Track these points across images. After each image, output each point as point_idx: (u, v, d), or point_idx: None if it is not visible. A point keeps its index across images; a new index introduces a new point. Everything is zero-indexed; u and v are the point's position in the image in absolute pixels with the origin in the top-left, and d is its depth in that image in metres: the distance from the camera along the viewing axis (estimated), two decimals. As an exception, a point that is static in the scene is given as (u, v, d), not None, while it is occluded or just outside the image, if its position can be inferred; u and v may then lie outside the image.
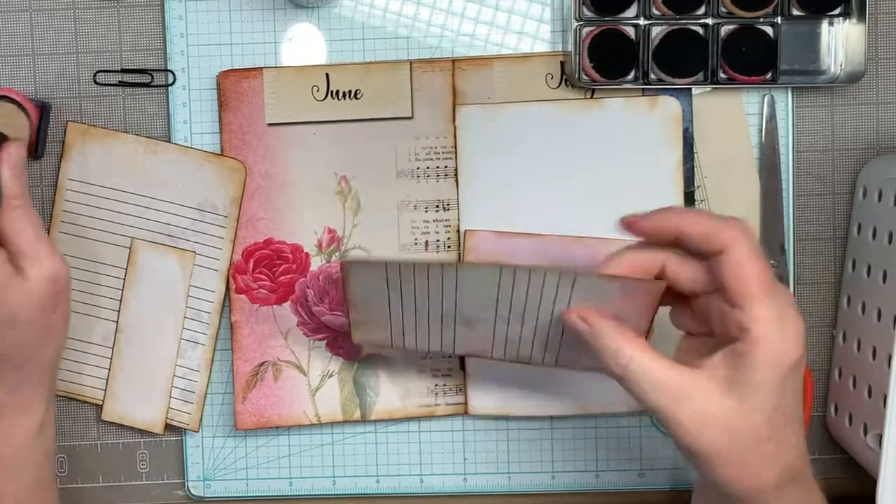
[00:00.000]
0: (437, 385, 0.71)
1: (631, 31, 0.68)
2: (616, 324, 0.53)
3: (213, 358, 0.71)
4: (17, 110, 0.65)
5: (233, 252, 0.70)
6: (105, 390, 0.71)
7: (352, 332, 0.64)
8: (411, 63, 0.70)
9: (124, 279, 0.70)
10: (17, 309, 0.58)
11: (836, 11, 0.68)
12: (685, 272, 0.54)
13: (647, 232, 0.55)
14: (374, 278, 0.59)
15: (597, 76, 0.69)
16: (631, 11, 0.68)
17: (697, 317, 0.55)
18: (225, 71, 0.70)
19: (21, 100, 0.66)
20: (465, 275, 0.57)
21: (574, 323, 0.55)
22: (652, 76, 0.69)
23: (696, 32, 0.68)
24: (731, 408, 0.50)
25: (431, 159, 0.70)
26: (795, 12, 0.69)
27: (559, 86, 0.70)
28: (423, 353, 0.69)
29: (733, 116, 0.70)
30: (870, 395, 0.65)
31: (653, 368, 0.51)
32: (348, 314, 0.63)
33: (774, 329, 0.50)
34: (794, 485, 0.53)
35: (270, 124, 0.70)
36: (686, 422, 0.50)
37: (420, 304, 0.59)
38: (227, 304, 0.71)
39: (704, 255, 0.53)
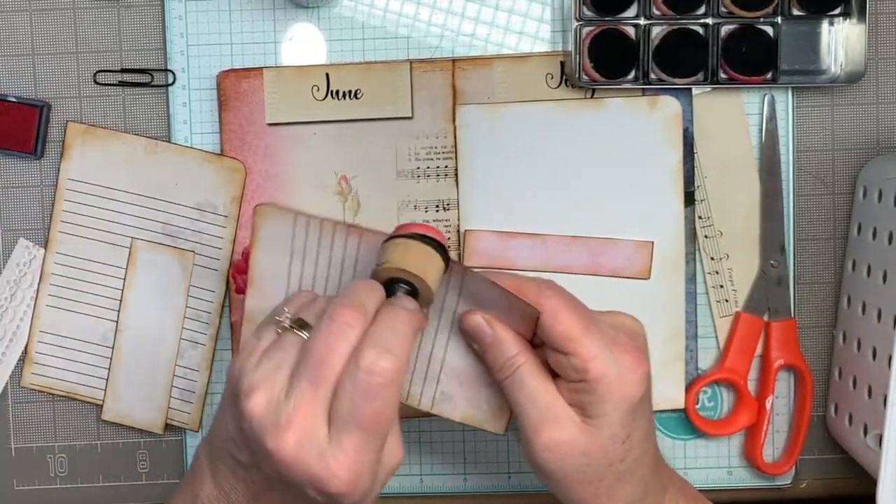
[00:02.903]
0: (437, 385, 0.71)
1: (631, 31, 0.68)
2: (515, 333, 0.54)
3: (213, 358, 0.71)
4: (441, 262, 0.52)
5: (233, 252, 0.70)
6: (105, 390, 0.71)
7: (246, 300, 0.58)
8: (411, 63, 0.70)
9: (124, 279, 0.70)
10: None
11: (837, 11, 0.68)
12: None
13: None
14: (282, 231, 0.55)
15: (597, 76, 0.69)
16: (631, 11, 0.68)
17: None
18: (225, 71, 0.70)
19: (439, 238, 0.53)
20: (368, 243, 0.53)
21: (477, 323, 0.54)
22: (652, 76, 0.69)
23: (696, 32, 0.68)
24: (588, 435, 0.52)
25: (431, 159, 0.70)
26: (795, 12, 0.69)
27: (559, 86, 0.70)
28: None
29: (733, 116, 0.70)
30: (870, 395, 0.65)
31: (536, 383, 0.53)
32: (248, 274, 0.57)
33: (609, 366, 0.52)
34: (650, 495, 0.56)
35: (270, 124, 0.70)
36: (549, 442, 0.52)
37: (318, 280, 0.55)
38: (227, 304, 0.71)
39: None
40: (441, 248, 0.52)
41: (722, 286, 0.71)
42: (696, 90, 0.69)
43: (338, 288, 0.56)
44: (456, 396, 0.57)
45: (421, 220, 0.70)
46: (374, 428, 0.47)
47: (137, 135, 0.70)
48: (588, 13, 0.68)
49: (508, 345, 0.54)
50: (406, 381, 0.57)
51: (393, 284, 0.51)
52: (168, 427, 0.71)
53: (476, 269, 0.55)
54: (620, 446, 0.53)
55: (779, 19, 0.68)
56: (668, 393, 0.70)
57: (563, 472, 0.53)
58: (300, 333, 0.50)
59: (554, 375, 0.54)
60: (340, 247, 0.54)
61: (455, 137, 0.70)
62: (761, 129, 0.70)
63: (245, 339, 0.55)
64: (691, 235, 0.70)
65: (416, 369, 0.57)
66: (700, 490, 0.61)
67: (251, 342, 0.51)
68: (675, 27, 0.68)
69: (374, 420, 0.47)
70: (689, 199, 0.70)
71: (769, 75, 0.69)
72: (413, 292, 0.51)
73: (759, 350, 0.71)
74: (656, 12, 0.68)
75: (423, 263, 0.51)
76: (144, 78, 0.71)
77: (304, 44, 0.71)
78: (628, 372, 0.52)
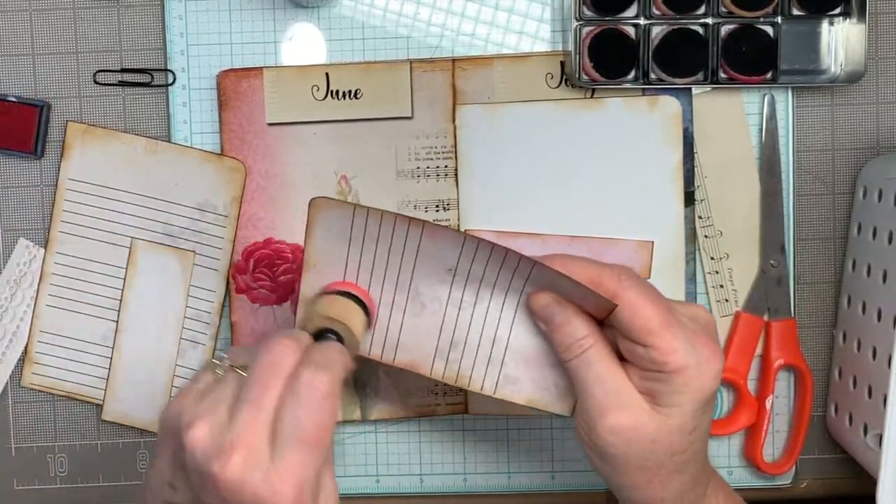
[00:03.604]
0: (437, 385, 0.71)
1: (631, 31, 0.68)
2: (585, 314, 0.54)
3: (213, 358, 0.71)
4: (364, 317, 0.57)
5: (233, 252, 0.70)
6: (105, 390, 0.71)
7: (301, 284, 0.58)
8: (411, 63, 0.70)
9: (124, 279, 0.70)
10: None
11: (837, 11, 0.68)
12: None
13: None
14: (340, 225, 0.55)
15: (597, 76, 0.69)
16: (631, 11, 0.68)
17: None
18: (225, 70, 0.70)
19: (361, 294, 0.57)
20: (430, 235, 0.54)
21: (546, 303, 0.54)
22: (652, 76, 0.69)
23: (696, 32, 0.68)
24: (658, 422, 0.52)
25: (431, 159, 0.70)
26: (795, 12, 0.69)
27: (559, 85, 0.70)
28: (363, 351, 0.59)
29: (733, 116, 0.70)
30: (870, 395, 0.65)
31: (604, 366, 0.53)
32: (302, 269, 0.58)
33: (688, 359, 0.52)
34: (697, 486, 0.56)
35: (270, 124, 0.70)
36: (616, 425, 0.52)
37: (377, 268, 0.56)
38: (227, 304, 0.71)
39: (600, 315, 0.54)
40: (361, 303, 0.56)
41: (722, 286, 0.71)
42: (696, 90, 0.69)
43: (397, 276, 0.56)
44: (522, 378, 0.57)
45: (425, 219, 0.70)
46: (316, 441, 0.48)
47: (137, 135, 0.71)
48: (588, 13, 0.68)
49: (577, 325, 0.53)
50: (468, 368, 0.57)
51: (321, 336, 0.54)
52: (168, 427, 0.71)
53: (542, 256, 0.54)
54: (687, 437, 0.53)
55: (779, 19, 0.68)
56: (668, 393, 0.70)
57: (625, 456, 0.53)
58: (240, 372, 0.51)
59: (621, 359, 0.54)
60: (402, 236, 0.55)
61: (455, 137, 0.70)
62: (761, 129, 0.70)
63: (183, 385, 0.55)
64: (691, 235, 0.70)
65: (479, 353, 0.57)
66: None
67: (187, 386, 0.52)
68: (675, 27, 0.68)
69: (316, 433, 0.48)
70: (689, 199, 0.70)
71: (769, 75, 0.69)
72: (340, 341, 0.54)
73: (759, 350, 0.71)
74: (656, 12, 0.68)
75: (346, 314, 0.55)
76: (144, 78, 0.71)
77: (304, 44, 0.71)
78: (706, 365, 0.52)
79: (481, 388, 0.58)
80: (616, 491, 0.56)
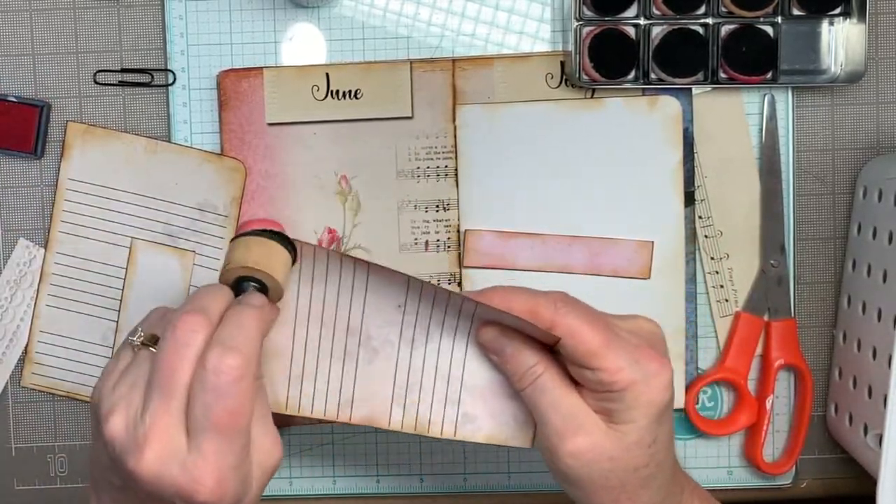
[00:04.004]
0: (437, 385, 0.71)
1: (631, 31, 0.68)
2: (533, 342, 0.53)
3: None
4: (286, 254, 0.53)
5: (233, 252, 0.70)
6: (105, 390, 0.71)
7: None
8: (411, 63, 0.70)
9: (124, 279, 0.70)
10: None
11: (837, 11, 0.68)
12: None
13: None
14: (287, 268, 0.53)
15: (597, 76, 0.69)
16: (631, 11, 0.68)
17: None
18: (225, 71, 0.70)
19: (282, 229, 0.55)
20: (376, 273, 0.53)
21: (493, 336, 0.54)
22: (652, 76, 0.69)
23: (696, 32, 0.68)
24: (615, 440, 0.52)
25: (431, 159, 0.70)
26: (796, 12, 0.69)
27: (559, 85, 0.70)
28: (318, 414, 0.56)
29: (733, 116, 0.70)
30: (870, 395, 0.65)
31: (558, 391, 0.53)
32: None
33: (635, 374, 0.51)
34: (669, 497, 0.55)
35: (270, 124, 0.70)
36: (574, 448, 0.52)
37: (327, 312, 0.55)
38: (227, 303, 0.71)
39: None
40: (285, 239, 0.52)
41: (722, 286, 0.71)
42: (696, 90, 0.69)
43: (348, 318, 0.55)
44: (480, 416, 0.56)
45: (421, 220, 0.70)
46: (230, 427, 0.47)
47: (137, 135, 0.70)
48: (588, 13, 0.68)
49: (527, 355, 0.53)
50: (426, 411, 0.56)
51: (241, 284, 0.51)
52: (168, 427, 0.71)
53: (481, 290, 0.54)
54: (646, 451, 0.53)
55: (779, 19, 0.68)
56: (668, 393, 0.70)
57: (588, 478, 0.53)
58: (152, 348, 0.49)
59: (576, 383, 0.53)
60: (349, 273, 0.54)
61: (455, 137, 0.70)
62: (761, 129, 0.70)
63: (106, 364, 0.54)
64: (691, 235, 0.70)
65: (436, 394, 0.56)
66: (700, 490, 0.62)
67: (110, 365, 0.50)
68: (675, 27, 0.68)
69: (229, 419, 0.47)
70: (689, 199, 0.70)
71: (769, 75, 0.69)
72: (263, 288, 0.51)
73: (759, 350, 0.71)
74: (656, 12, 0.68)
75: (266, 258, 0.51)
76: (144, 78, 0.71)
77: (304, 44, 0.70)
78: (654, 378, 0.52)
79: (441, 432, 0.57)
80: None
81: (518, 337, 0.53)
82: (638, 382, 0.51)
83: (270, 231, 0.53)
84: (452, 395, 0.56)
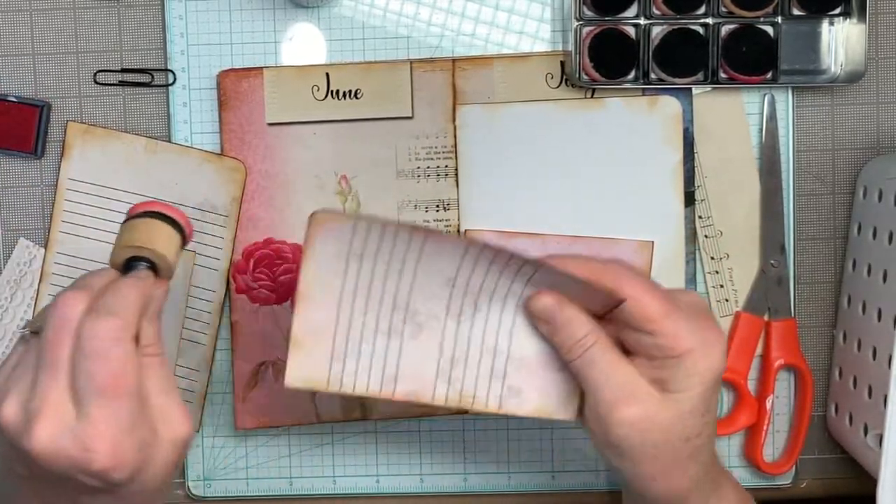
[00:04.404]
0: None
1: (631, 31, 0.68)
2: (584, 312, 0.54)
3: (213, 358, 0.71)
4: (172, 232, 0.55)
5: (233, 252, 0.70)
6: (105, 390, 0.71)
7: (293, 321, 0.55)
8: (411, 63, 0.70)
9: (124, 279, 0.70)
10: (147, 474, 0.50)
11: (837, 11, 0.68)
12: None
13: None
14: (339, 240, 0.53)
15: (597, 76, 0.69)
16: (631, 11, 0.68)
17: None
18: (225, 70, 0.70)
19: (177, 216, 0.55)
20: (434, 241, 0.53)
21: (546, 304, 0.53)
22: (652, 76, 0.69)
23: (696, 32, 0.68)
24: (669, 408, 0.52)
25: (431, 159, 0.70)
26: (796, 12, 0.69)
27: (559, 85, 0.70)
28: (360, 391, 0.56)
29: (733, 116, 0.70)
30: (870, 395, 0.65)
31: (609, 361, 0.53)
32: (295, 302, 0.55)
33: (694, 342, 0.52)
34: (709, 479, 0.56)
35: (270, 124, 0.70)
36: (627, 417, 0.52)
37: (375, 288, 0.55)
38: (227, 304, 0.71)
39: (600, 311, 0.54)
40: (170, 220, 0.54)
41: (722, 286, 0.71)
42: (696, 90, 0.69)
43: (395, 294, 0.55)
44: (525, 388, 0.56)
45: (421, 220, 0.70)
46: (114, 390, 0.47)
47: (137, 134, 0.71)
48: (588, 13, 0.68)
49: (579, 324, 0.53)
50: (470, 385, 0.56)
51: (130, 265, 0.52)
52: (168, 427, 0.71)
53: (546, 257, 0.54)
54: (700, 420, 0.53)
55: (779, 19, 0.68)
56: (668, 393, 0.70)
57: (640, 448, 0.53)
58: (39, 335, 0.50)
59: (627, 353, 0.54)
60: (403, 247, 0.54)
61: (455, 137, 0.70)
62: (761, 129, 0.70)
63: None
64: (691, 235, 0.70)
65: (481, 367, 0.56)
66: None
67: (4, 362, 0.51)
68: (675, 27, 0.68)
69: (112, 382, 0.47)
70: (689, 199, 0.70)
71: (769, 75, 0.69)
72: (152, 267, 0.53)
73: (759, 350, 0.71)
74: (656, 12, 0.68)
75: (149, 237, 0.53)
76: (144, 78, 0.71)
77: (304, 44, 0.71)
78: (711, 346, 0.52)
79: (486, 406, 0.56)
80: (634, 484, 0.55)
81: (570, 306, 0.53)
82: (696, 350, 0.52)
83: (155, 212, 0.54)
84: (498, 368, 0.56)
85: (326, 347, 0.55)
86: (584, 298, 0.53)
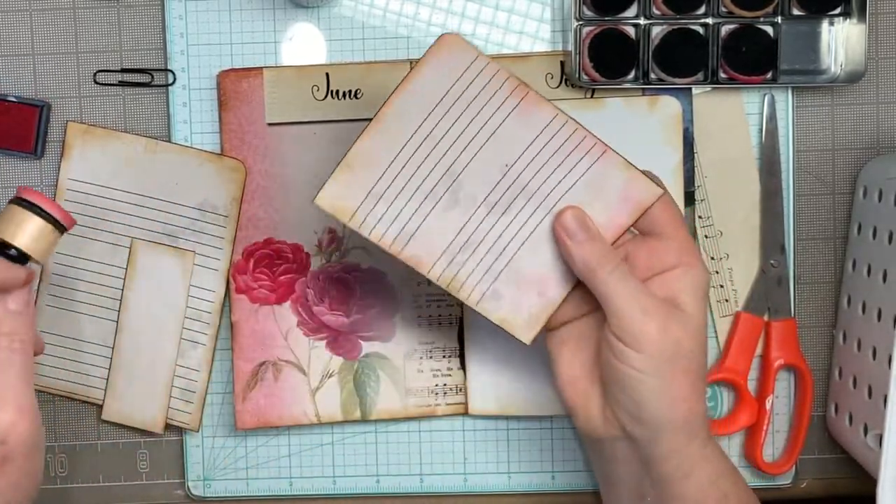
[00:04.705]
0: (437, 385, 0.71)
1: (631, 31, 0.68)
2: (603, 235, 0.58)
3: (213, 358, 0.71)
4: (45, 226, 0.58)
5: (233, 252, 0.70)
6: (105, 390, 0.71)
7: (360, 137, 0.58)
8: (411, 63, 0.70)
9: (124, 279, 0.70)
10: None
11: (837, 11, 0.68)
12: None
13: None
14: (453, 69, 0.57)
15: (597, 76, 0.69)
16: (631, 11, 0.68)
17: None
18: (225, 70, 0.70)
19: (54, 211, 0.58)
20: (526, 105, 0.57)
21: (577, 215, 0.57)
22: (652, 76, 0.69)
23: (696, 32, 0.68)
24: (683, 323, 0.56)
25: (431, 159, 0.70)
26: (796, 12, 0.69)
27: (559, 85, 0.70)
28: (375, 237, 0.59)
29: (733, 116, 0.70)
30: (870, 395, 0.65)
31: (632, 282, 0.56)
32: (379, 111, 0.58)
33: (697, 258, 0.57)
34: (703, 431, 0.57)
35: (270, 124, 0.70)
36: (646, 331, 0.54)
37: (442, 144, 0.57)
38: (227, 304, 0.71)
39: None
40: (40, 211, 0.57)
41: (722, 286, 0.71)
42: (696, 90, 0.69)
43: (452, 162, 0.57)
44: (505, 296, 0.59)
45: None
46: None
47: (137, 135, 0.71)
48: (588, 13, 0.68)
49: (604, 243, 0.57)
50: (465, 274, 0.59)
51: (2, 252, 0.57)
52: (168, 427, 0.71)
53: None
54: (702, 332, 0.57)
55: (779, 19, 0.69)
56: (668, 393, 0.70)
57: (655, 368, 0.55)
58: None
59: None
60: (495, 105, 0.57)
61: (455, 137, 0.70)
62: (761, 129, 0.71)
63: None
64: (691, 235, 0.70)
65: (483, 262, 0.59)
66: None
67: None
68: (675, 27, 0.68)
69: None
70: (689, 199, 0.70)
71: (769, 75, 0.69)
72: (21, 255, 0.57)
73: (759, 350, 0.71)
74: (656, 12, 0.68)
75: (11, 227, 0.57)
76: (144, 78, 0.71)
77: (304, 44, 0.71)
78: (700, 261, 0.58)
79: (468, 297, 0.59)
80: (646, 408, 0.56)
81: (595, 226, 0.57)
82: (697, 262, 0.57)
83: (24, 200, 0.57)
84: (495, 269, 0.59)
85: (370, 180, 0.58)
86: (624, 199, 0.57)
